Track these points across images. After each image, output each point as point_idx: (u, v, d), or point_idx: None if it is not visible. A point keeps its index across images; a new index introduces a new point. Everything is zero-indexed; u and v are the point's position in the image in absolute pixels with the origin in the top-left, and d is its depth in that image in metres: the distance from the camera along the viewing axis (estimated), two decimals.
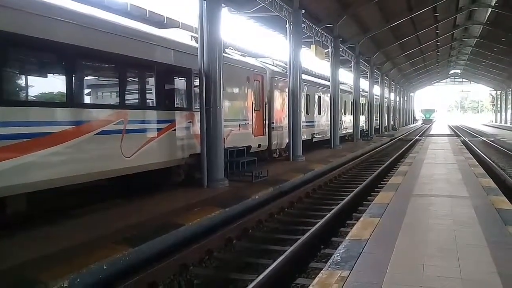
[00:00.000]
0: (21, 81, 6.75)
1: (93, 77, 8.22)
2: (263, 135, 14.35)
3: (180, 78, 10.08)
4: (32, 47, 6.53)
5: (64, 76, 6.96)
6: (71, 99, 7.06)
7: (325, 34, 20.83)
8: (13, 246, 5.54)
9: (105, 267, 4.99)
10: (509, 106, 63.98)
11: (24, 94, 6.63)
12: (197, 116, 9.89)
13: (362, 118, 30.31)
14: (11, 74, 6.45)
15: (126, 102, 8.42)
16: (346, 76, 33.03)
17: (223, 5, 10.48)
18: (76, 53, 7.08)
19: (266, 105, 14.60)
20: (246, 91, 13.13)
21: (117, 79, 8.21)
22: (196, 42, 10.06)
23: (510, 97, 62.73)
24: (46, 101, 6.90)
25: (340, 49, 23.22)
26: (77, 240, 5.70)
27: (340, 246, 5.04)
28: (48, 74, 7.10)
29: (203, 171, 9.57)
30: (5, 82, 6.16)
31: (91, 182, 7.63)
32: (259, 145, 14.02)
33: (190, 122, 10.04)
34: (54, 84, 7.05)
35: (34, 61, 6.93)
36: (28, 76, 6.64)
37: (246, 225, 7.57)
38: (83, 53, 7.25)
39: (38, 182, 6.40)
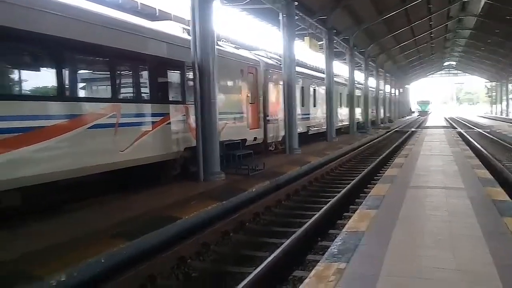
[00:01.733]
0: (13, 75, 6.67)
1: (85, 71, 8.14)
2: (259, 128, 14.30)
3: (173, 71, 9.99)
4: (23, 40, 6.41)
5: (55, 70, 6.88)
6: (63, 92, 6.99)
7: (319, 26, 20.73)
8: (9, 240, 5.49)
9: (102, 261, 4.97)
10: (504, 97, 64.19)
11: (17, 88, 6.56)
12: (191, 109, 9.83)
13: (357, 111, 30.29)
14: (1, 68, 6.35)
15: (119, 95, 8.35)
16: (341, 68, 33.01)
17: None
18: (68, 46, 6.98)
19: (261, 98, 14.54)
20: (240, 84, 13.05)
21: (110, 72, 8.13)
22: (189, 34, 9.97)
23: (505, 88, 62.92)
24: (38, 95, 6.82)
25: (334, 41, 23.14)
26: (74, 234, 5.66)
27: (337, 238, 5.02)
28: (40, 68, 7.01)
29: (199, 164, 9.51)
30: None
31: (85, 176, 7.55)
32: (255, 138, 13.97)
33: (184, 115, 9.97)
34: (45, 77, 6.97)
35: (25, 54, 6.83)
36: (19, 70, 6.55)
37: (243, 218, 7.55)
38: (75, 46, 7.15)
39: (31, 176, 6.32)
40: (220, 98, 10.61)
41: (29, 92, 6.69)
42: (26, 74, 6.78)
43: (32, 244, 5.23)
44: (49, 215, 6.68)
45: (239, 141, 12.09)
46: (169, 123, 9.39)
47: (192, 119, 9.81)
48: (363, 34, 28.66)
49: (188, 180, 9.73)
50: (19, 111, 6.22)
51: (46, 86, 6.98)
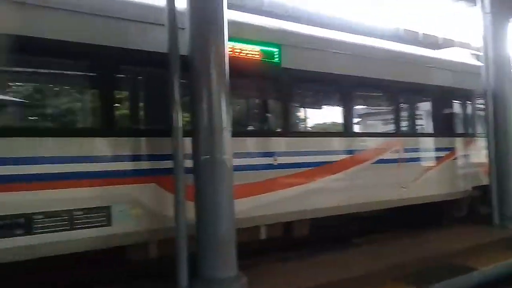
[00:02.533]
0: (304, 114, 7.36)
1: (368, 106, 8.28)
2: None
3: (459, 101, 9.10)
4: (312, 81, 6.91)
5: (342, 108, 7.12)
6: (348, 128, 7.19)
7: None
8: (296, 270, 5.78)
9: None
10: None
11: (304, 126, 7.19)
12: (480, 143, 8.79)
13: None
14: (297, 108, 7.06)
15: (401, 129, 8.10)
16: None
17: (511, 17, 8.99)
18: (351, 83, 7.13)
19: None
20: None
21: (394, 106, 8.01)
22: (476, 59, 8.99)
23: None
24: (326, 131, 7.27)
25: None
26: (358, 270, 5.61)
27: None
28: (328, 106, 7.52)
29: (493, 206, 8.20)
30: (291, 115, 6.72)
31: (368, 211, 7.53)
32: None
33: (472, 149, 8.90)
34: (334, 114, 7.38)
35: (312, 94, 7.43)
36: (313, 109, 7.17)
37: None
38: (358, 82, 7.24)
39: (321, 209, 6.61)
40: None
41: (313, 129, 7.18)
42: (315, 112, 7.38)
43: (321, 275, 5.41)
44: (335, 247, 6.87)
45: None
46: (455, 159, 8.54)
47: (482, 154, 8.69)
48: None
49: (477, 224, 8.52)
50: (311, 146, 6.64)
51: (334, 122, 7.38)
